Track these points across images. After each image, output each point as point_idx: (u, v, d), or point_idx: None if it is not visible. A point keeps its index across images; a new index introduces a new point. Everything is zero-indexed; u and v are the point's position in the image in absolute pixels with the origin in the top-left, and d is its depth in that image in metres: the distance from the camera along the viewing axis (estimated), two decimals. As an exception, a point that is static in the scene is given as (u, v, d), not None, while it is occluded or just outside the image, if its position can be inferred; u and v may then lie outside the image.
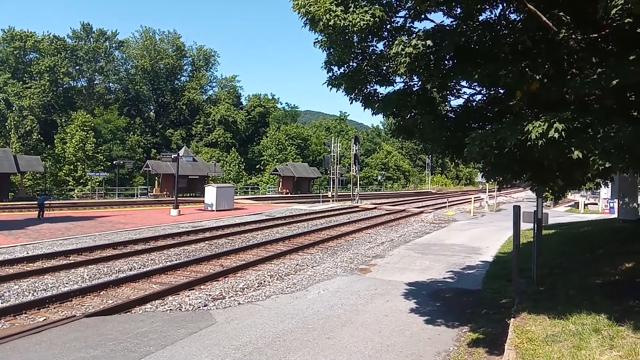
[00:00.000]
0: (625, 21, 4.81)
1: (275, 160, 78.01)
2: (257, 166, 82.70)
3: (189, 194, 53.54)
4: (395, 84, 7.64)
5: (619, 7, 4.56)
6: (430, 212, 36.23)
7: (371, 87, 7.66)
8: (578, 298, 7.80)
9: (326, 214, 33.76)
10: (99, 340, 7.70)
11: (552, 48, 5.83)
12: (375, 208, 40.63)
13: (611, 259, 11.04)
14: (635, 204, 18.82)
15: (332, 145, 57.28)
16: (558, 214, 35.14)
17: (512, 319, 7.35)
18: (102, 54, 78.16)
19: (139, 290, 11.36)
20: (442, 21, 6.73)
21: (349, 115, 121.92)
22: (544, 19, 5.55)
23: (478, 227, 26.96)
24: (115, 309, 9.56)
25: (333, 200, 49.42)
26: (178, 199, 33.29)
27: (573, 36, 5.66)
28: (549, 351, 5.62)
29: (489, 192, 46.20)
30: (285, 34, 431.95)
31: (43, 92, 66.66)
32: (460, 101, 7.89)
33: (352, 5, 6.06)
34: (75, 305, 10.14)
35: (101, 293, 11.07)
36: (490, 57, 6.19)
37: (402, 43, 6.07)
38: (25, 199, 41.17)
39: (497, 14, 6.71)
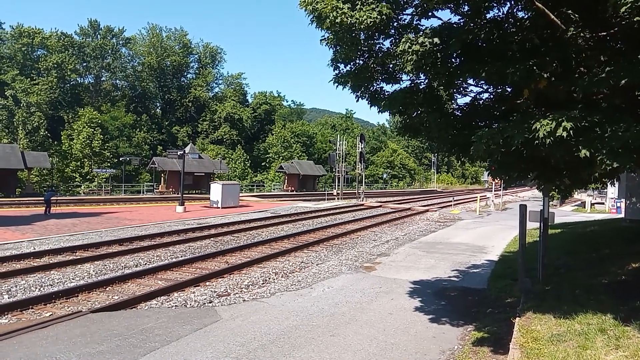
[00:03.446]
0: (635, 19, 4.76)
1: (281, 157, 78.13)
2: (263, 164, 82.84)
3: (194, 191, 53.72)
4: (401, 82, 7.63)
5: (628, 5, 4.53)
6: (435, 211, 36.14)
7: (377, 84, 7.65)
8: (584, 298, 7.76)
9: (331, 211, 33.75)
10: (105, 336, 7.75)
11: (560, 46, 5.79)
12: (380, 206, 40.57)
13: (617, 259, 10.98)
14: (642, 204, 18.67)
15: (338, 143, 57.22)
16: (564, 213, 34.98)
17: (517, 318, 7.33)
18: (109, 51, 78.48)
19: (145, 287, 11.42)
20: (450, 19, 6.71)
21: (355, 113, 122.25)
22: (552, 17, 5.51)
23: (484, 225, 26.87)
24: (121, 304, 9.61)
25: (338, 198, 49.42)
26: (184, 195, 33.41)
27: (581, 34, 5.61)
28: (554, 351, 5.60)
29: (495, 190, 46.03)
30: (292, 31, 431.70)
31: (50, 89, 67.02)
32: (467, 99, 7.86)
33: (359, 3, 6.05)
34: (81, 300, 10.20)
35: (107, 289, 11.13)
36: (497, 55, 6.16)
37: (409, 40, 6.05)
38: (32, 195, 41.43)
39: (505, 12, 6.68)
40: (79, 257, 14.42)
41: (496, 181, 50.20)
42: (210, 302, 10.08)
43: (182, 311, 9.42)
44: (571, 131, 5.01)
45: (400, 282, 12.15)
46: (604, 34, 5.80)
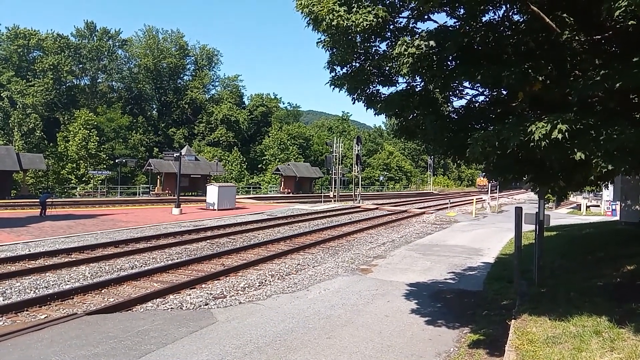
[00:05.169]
0: (629, 23, 4.80)
1: (277, 159, 78.05)
2: (259, 166, 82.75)
3: (191, 193, 53.62)
4: (397, 85, 7.65)
5: (622, 9, 4.56)
6: (432, 213, 36.20)
7: (374, 87, 7.66)
8: (579, 300, 7.78)
9: (328, 214, 33.74)
10: (100, 338, 7.72)
11: (555, 49, 5.82)
12: (377, 208, 40.60)
13: (613, 261, 11.02)
14: (637, 207, 18.76)
15: (334, 145, 57.29)
16: (560, 215, 35.08)
17: (512, 321, 7.35)
18: (106, 53, 78.38)
19: (140, 289, 11.38)
20: (445, 22, 6.74)
21: (351, 115, 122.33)
22: (547, 20, 5.55)
23: (480, 228, 26.92)
24: (117, 307, 9.58)
25: (335, 201, 49.43)
26: (180, 197, 33.31)
27: (576, 38, 5.65)
28: (550, 353, 5.62)
29: (490, 193, 46.15)
30: (288, 33, 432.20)
31: (46, 90, 66.75)
32: (463, 102, 7.89)
33: (356, 6, 6.07)
34: (76, 303, 10.16)
35: (102, 291, 11.09)
36: (493, 58, 6.18)
37: (405, 43, 6.07)
38: (28, 196, 41.25)
39: (501, 15, 6.71)
40: (74, 259, 14.36)
41: (484, 183, 50.16)
42: (206, 305, 10.05)
43: (177, 313, 9.40)
44: (566, 133, 5.04)
45: (397, 284, 12.15)
46: (599, 37, 5.84)
